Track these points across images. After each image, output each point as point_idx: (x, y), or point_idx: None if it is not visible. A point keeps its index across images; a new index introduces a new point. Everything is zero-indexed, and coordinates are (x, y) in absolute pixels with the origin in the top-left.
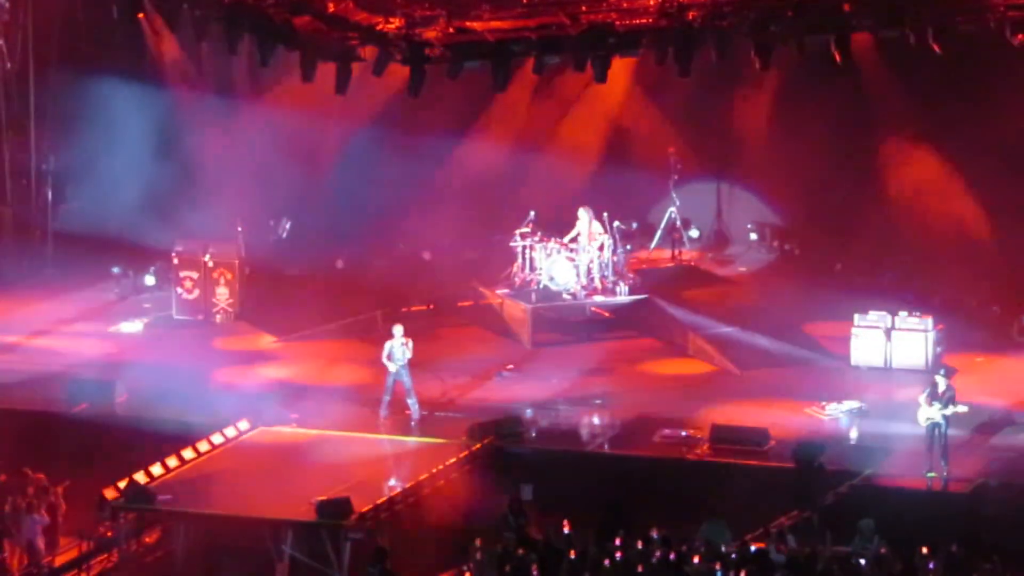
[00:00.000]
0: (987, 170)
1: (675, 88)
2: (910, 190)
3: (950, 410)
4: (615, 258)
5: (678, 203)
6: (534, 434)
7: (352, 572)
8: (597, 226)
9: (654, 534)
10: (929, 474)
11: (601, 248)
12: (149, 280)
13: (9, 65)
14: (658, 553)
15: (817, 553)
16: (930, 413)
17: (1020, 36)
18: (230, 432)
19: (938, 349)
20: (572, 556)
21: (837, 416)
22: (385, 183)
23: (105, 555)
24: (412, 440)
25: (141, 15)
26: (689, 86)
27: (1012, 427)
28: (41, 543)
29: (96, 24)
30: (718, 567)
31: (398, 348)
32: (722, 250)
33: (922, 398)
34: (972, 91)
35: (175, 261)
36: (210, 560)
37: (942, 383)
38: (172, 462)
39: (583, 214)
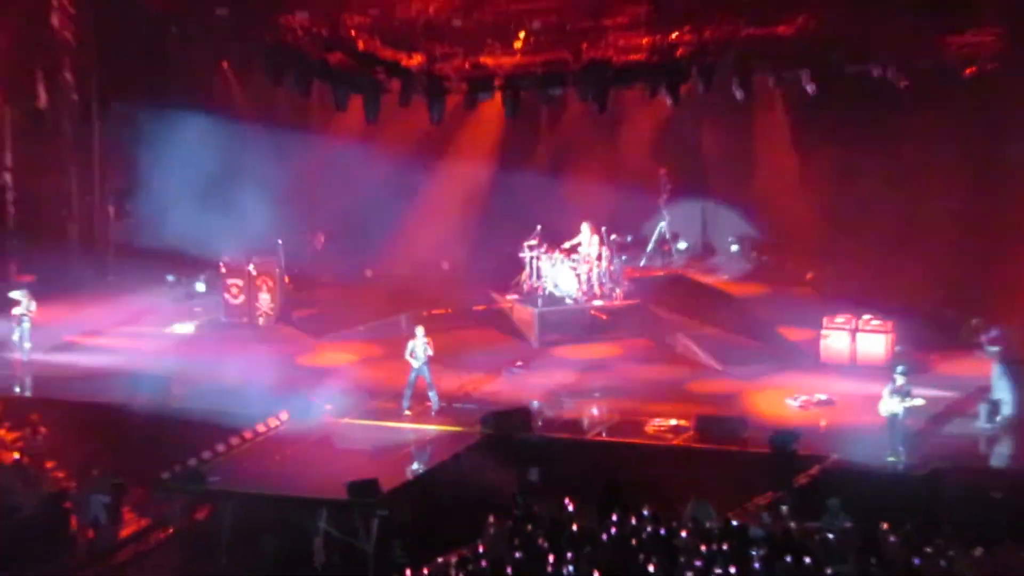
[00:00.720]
0: (937, 187)
1: (667, 117)
2: (869, 206)
3: (908, 402)
4: (612, 267)
5: (668, 219)
6: (540, 423)
7: (379, 544)
8: (594, 240)
9: (646, 511)
10: (890, 458)
11: (600, 258)
12: (200, 287)
13: (76, 97)
14: (649, 528)
15: (791, 529)
16: (890, 404)
17: (969, 69)
18: (271, 422)
19: (897, 348)
20: (574, 530)
21: (808, 407)
22: (408, 201)
23: (161, 530)
24: (432, 428)
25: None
26: (678, 115)
27: (963, 417)
28: (103, 519)
29: (153, 59)
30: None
31: (420, 347)
32: (706, 260)
33: (884, 391)
34: (925, 116)
35: (223, 270)
36: (254, 535)
37: (900, 378)
38: (220, 448)
39: (584, 228)
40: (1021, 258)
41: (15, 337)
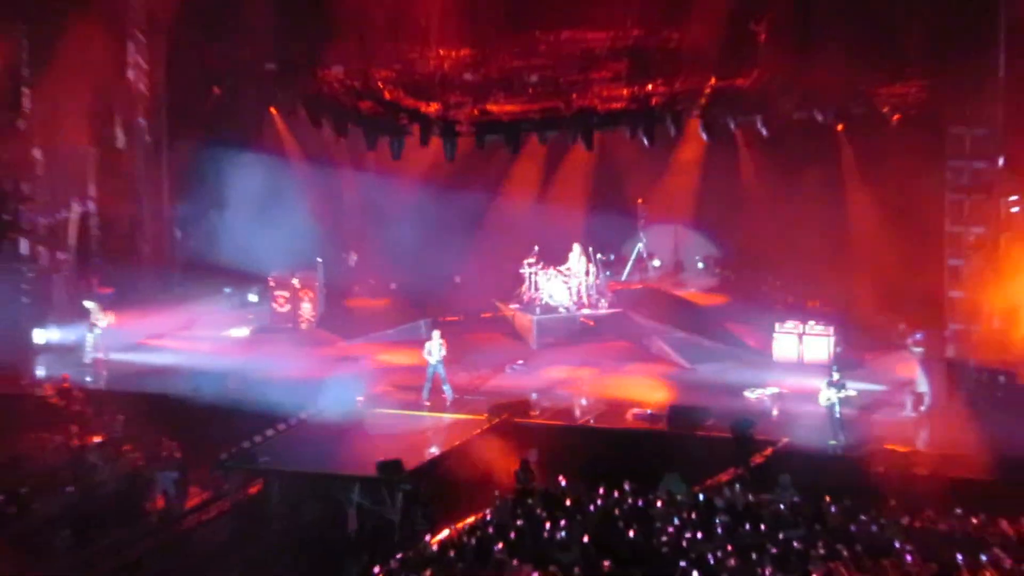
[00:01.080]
0: (868, 213)
1: (643, 156)
2: (814, 229)
3: (843, 393)
4: (598, 281)
5: (644, 240)
6: (538, 412)
7: (403, 513)
8: (583, 259)
9: (627, 486)
10: (831, 442)
11: (587, 274)
12: (252, 298)
13: (148, 138)
14: (630, 500)
15: (749, 500)
16: (829, 395)
17: (896, 116)
18: (311, 410)
19: (837, 349)
20: (567, 503)
21: (763, 398)
22: (427, 226)
23: (220, 502)
24: (447, 416)
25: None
26: (654, 155)
27: (892, 407)
28: (172, 493)
29: (213, 105)
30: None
31: (436, 347)
32: (677, 275)
33: (822, 384)
34: (859, 153)
35: (271, 284)
36: (297, 506)
37: (836, 374)
38: (269, 433)
39: (575, 248)
40: (938, 272)
41: (88, 341)
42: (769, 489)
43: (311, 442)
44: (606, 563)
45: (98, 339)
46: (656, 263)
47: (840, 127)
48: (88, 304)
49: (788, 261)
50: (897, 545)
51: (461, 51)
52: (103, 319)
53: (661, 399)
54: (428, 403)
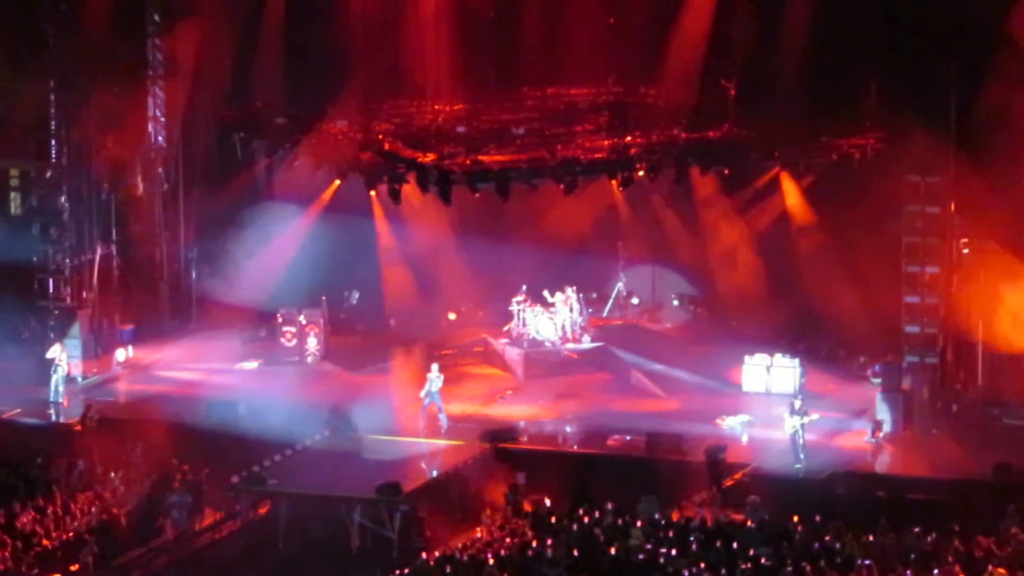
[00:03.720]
0: (830, 255)
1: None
2: (781, 270)
3: (806, 420)
4: (581, 318)
5: (624, 280)
6: (526, 438)
7: (401, 532)
8: (568, 296)
9: (608, 506)
10: (796, 465)
11: (571, 310)
12: (262, 333)
13: (166, 185)
14: (610, 520)
15: (721, 520)
16: (792, 423)
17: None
18: (317, 436)
19: (802, 380)
20: (552, 521)
21: (733, 426)
22: (423, 267)
23: (232, 521)
24: (442, 442)
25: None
26: (632, 200)
27: (853, 433)
28: (186, 514)
29: (225, 155)
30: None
31: (433, 378)
32: (655, 312)
33: (785, 413)
34: (821, 199)
35: (279, 320)
36: (304, 525)
37: (798, 402)
38: (277, 457)
39: (569, 290)
40: (896, 309)
41: (52, 382)
42: (739, 509)
43: (316, 466)
44: None
45: (60, 381)
46: (635, 300)
47: (803, 176)
48: (52, 350)
49: (756, 299)
50: (859, 562)
51: (455, 106)
52: (64, 362)
53: (639, 426)
54: (424, 429)
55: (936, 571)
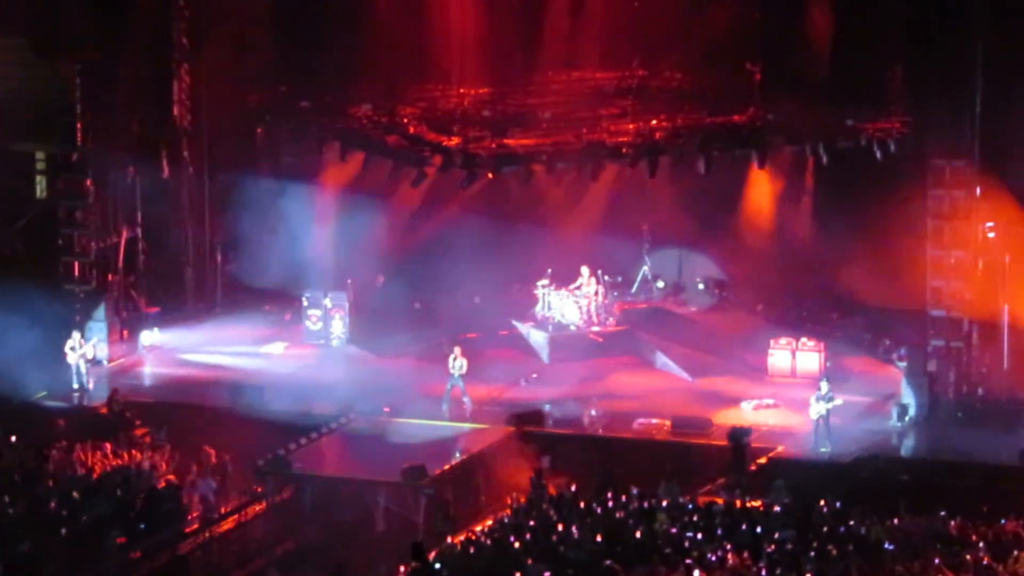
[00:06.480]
0: (856, 238)
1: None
2: (805, 252)
3: (831, 404)
4: (606, 301)
5: (649, 263)
6: (551, 422)
7: (426, 516)
8: (592, 280)
9: (633, 490)
10: (821, 449)
11: (596, 294)
12: (287, 316)
13: (191, 169)
14: (635, 504)
15: (745, 503)
16: (818, 407)
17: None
18: (342, 419)
19: (827, 363)
20: (578, 506)
21: (759, 409)
22: (448, 250)
23: (257, 504)
24: (467, 426)
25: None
26: (657, 184)
27: (878, 417)
28: (212, 497)
29: (251, 140)
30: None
31: (458, 362)
32: (679, 296)
33: (812, 398)
34: (845, 183)
35: (305, 303)
36: (329, 509)
37: (824, 386)
38: (302, 441)
39: (584, 270)
40: (920, 292)
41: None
42: (764, 493)
43: (341, 450)
44: (613, 562)
45: (82, 365)
46: (660, 284)
47: (826, 160)
48: (70, 340)
49: (781, 282)
50: (884, 546)
51: (480, 90)
52: (80, 348)
53: (664, 409)
54: (449, 412)
55: (962, 556)
